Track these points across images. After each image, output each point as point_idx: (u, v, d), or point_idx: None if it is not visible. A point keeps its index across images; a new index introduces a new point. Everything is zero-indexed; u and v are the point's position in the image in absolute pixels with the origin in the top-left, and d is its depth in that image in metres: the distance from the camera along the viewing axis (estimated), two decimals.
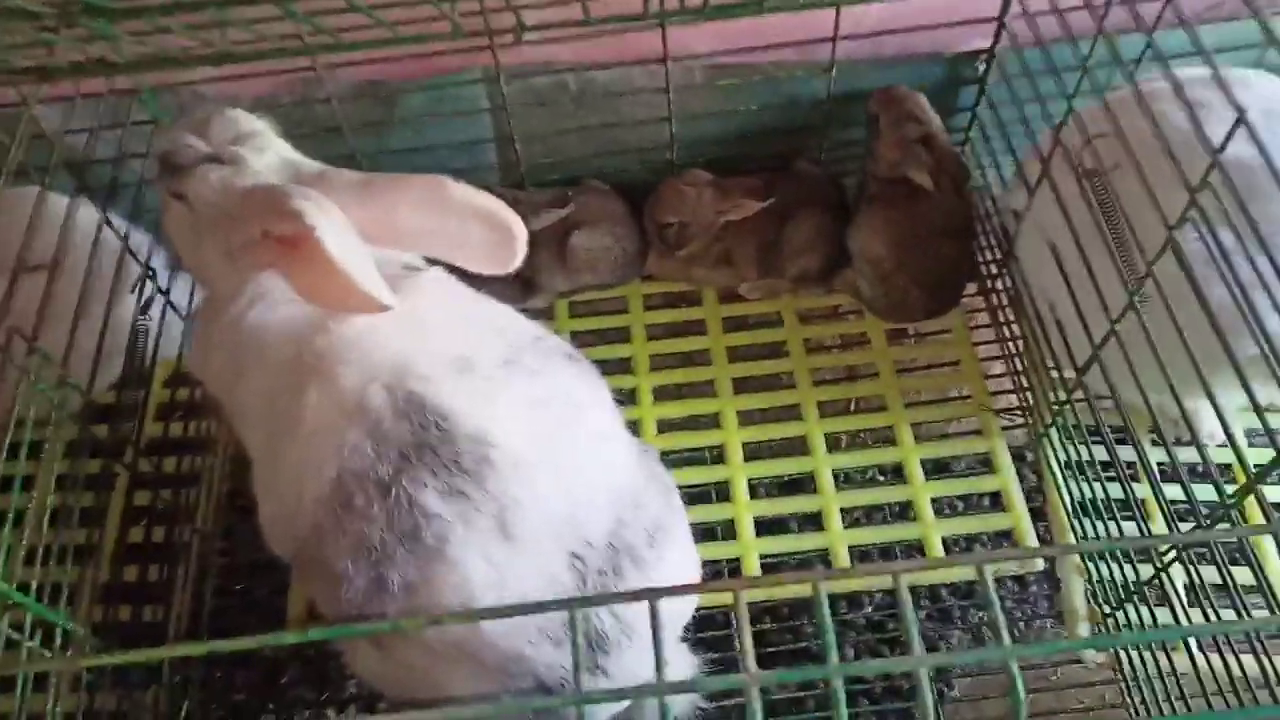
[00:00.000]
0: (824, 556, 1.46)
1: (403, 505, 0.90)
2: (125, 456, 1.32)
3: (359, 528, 0.91)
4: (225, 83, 1.46)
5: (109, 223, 1.31)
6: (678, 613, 1.14)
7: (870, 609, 1.69)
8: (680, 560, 1.10)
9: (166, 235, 1.15)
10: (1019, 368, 1.58)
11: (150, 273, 1.38)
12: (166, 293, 1.44)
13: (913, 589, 1.73)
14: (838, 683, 0.56)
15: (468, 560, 0.91)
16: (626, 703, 1.12)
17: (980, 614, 1.70)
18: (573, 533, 0.97)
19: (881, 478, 1.66)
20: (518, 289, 1.64)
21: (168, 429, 1.45)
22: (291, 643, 0.57)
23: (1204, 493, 1.16)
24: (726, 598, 1.36)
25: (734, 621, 1.46)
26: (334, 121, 1.51)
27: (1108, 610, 1.32)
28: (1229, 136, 0.95)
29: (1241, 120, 0.93)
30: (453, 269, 1.08)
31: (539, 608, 0.59)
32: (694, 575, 1.15)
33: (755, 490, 1.50)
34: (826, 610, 0.59)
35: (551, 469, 0.97)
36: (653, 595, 0.59)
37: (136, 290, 1.35)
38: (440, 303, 1.05)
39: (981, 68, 1.58)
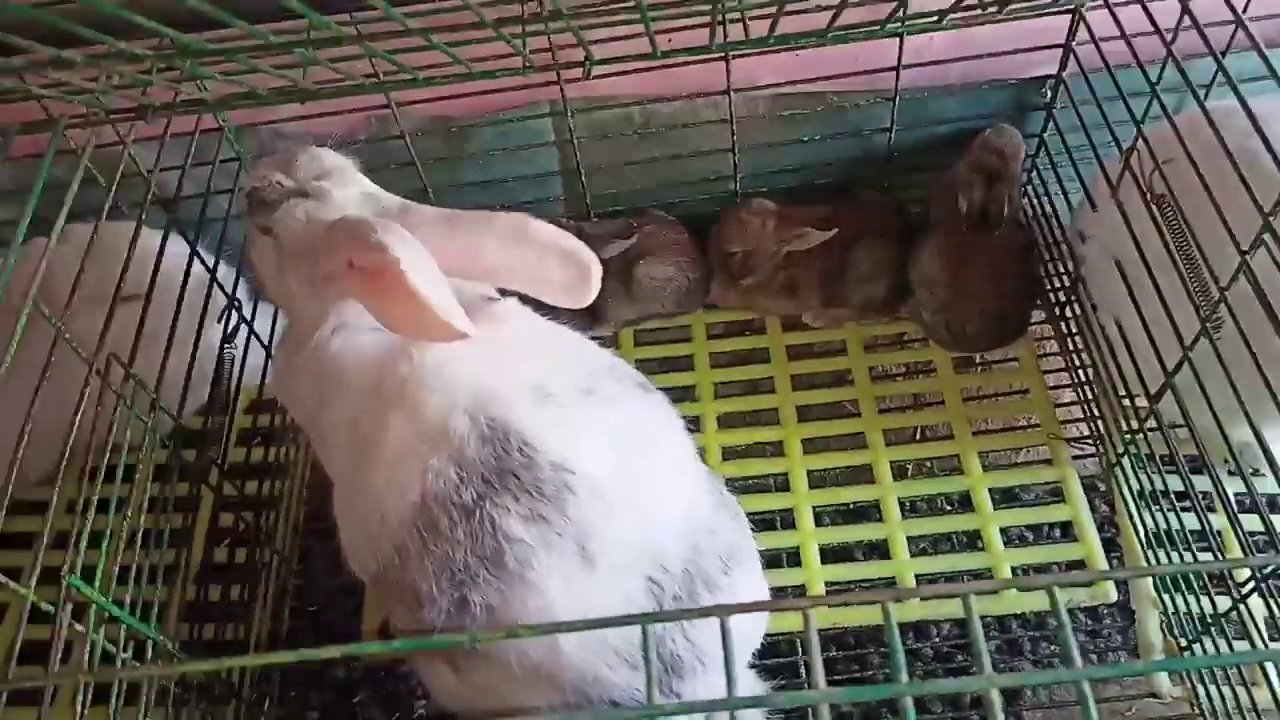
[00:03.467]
0: (890, 584, 1.45)
1: (486, 529, 0.93)
2: (210, 479, 1.37)
3: (443, 550, 0.94)
4: (304, 121, 1.52)
5: (198, 255, 1.37)
6: (747, 638, 1.14)
7: (938, 639, 1.67)
8: (751, 586, 1.11)
9: (251, 267, 1.20)
10: (1089, 396, 1.56)
11: (236, 303, 1.44)
12: (250, 322, 1.49)
13: (982, 620, 1.71)
14: (907, 702, 0.57)
15: (549, 584, 0.94)
16: None
17: (1051, 646, 1.66)
18: (650, 558, 0.99)
19: (949, 507, 1.64)
20: (584, 318, 1.67)
21: (249, 454, 1.50)
22: (372, 653, 0.59)
23: None
24: (792, 623, 1.36)
25: (800, 649, 1.47)
26: (407, 157, 1.56)
27: (1184, 643, 1.30)
28: None
29: None
30: (524, 299, 1.11)
31: (611, 622, 0.60)
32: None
33: (820, 518, 1.50)
34: (896, 630, 0.60)
35: (629, 496, 0.99)
36: (723, 612, 0.61)
37: (223, 320, 1.41)
38: (519, 332, 1.08)
39: (1049, 94, 1.58)
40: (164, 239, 1.30)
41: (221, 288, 1.41)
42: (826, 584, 1.43)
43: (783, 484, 1.54)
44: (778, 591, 1.43)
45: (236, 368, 1.43)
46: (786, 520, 1.50)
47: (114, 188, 1.17)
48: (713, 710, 0.59)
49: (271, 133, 1.57)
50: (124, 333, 1.17)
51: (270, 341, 1.57)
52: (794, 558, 1.46)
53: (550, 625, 0.64)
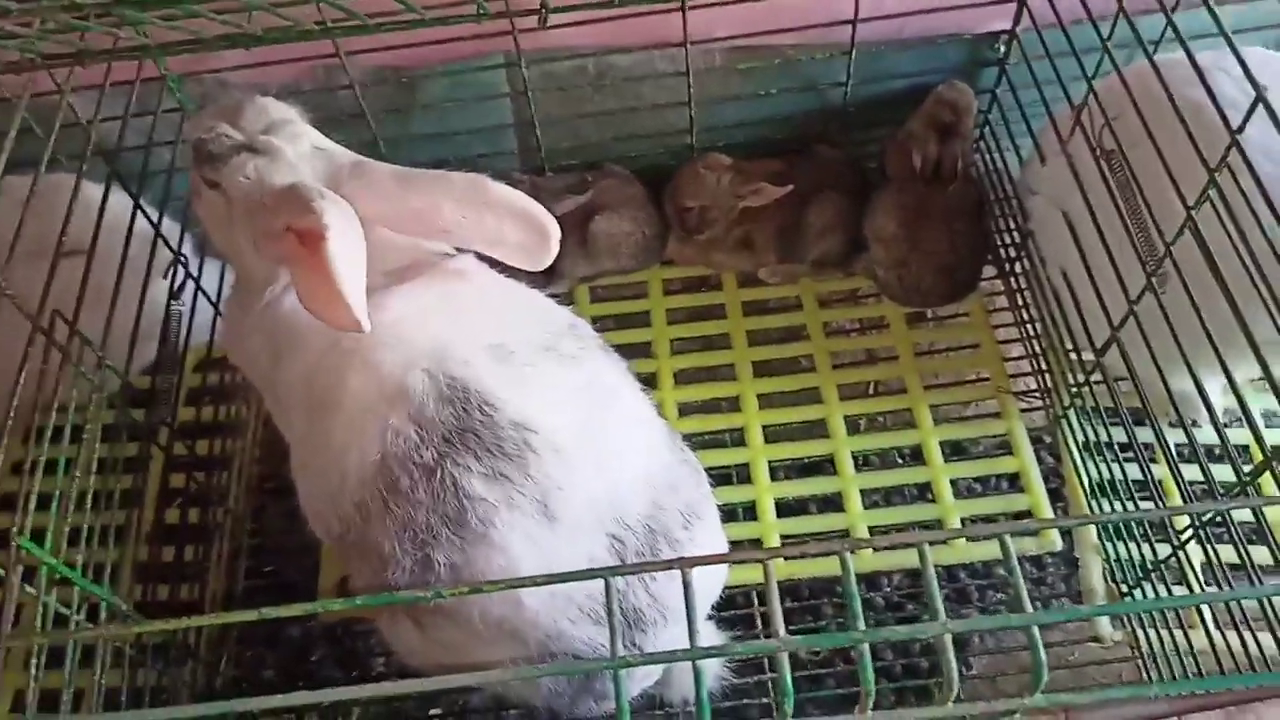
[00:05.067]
0: (844, 537, 1.47)
1: (448, 488, 0.93)
2: (159, 439, 1.34)
3: (405, 510, 0.93)
4: (249, 70, 1.48)
5: (141, 209, 1.33)
6: (707, 591, 1.16)
7: (889, 589, 1.71)
8: (711, 541, 1.12)
9: (196, 221, 1.17)
10: (1037, 350, 1.59)
11: (181, 259, 1.40)
12: (197, 278, 1.46)
13: None
14: (864, 648, 0.58)
15: (512, 543, 0.94)
16: (656, 677, 1.14)
17: (998, 594, 1.71)
18: (612, 515, 1.00)
19: (900, 460, 1.67)
20: (539, 274, 1.65)
21: (199, 413, 1.48)
22: (337, 611, 0.59)
23: (1221, 474, 1.17)
24: (748, 576, 1.38)
25: (755, 601, 1.49)
26: (356, 108, 1.53)
27: (1125, 589, 1.34)
28: (1247, 116, 0.96)
29: (1260, 100, 0.94)
30: (482, 256, 1.10)
31: (574, 576, 0.61)
32: None
33: (775, 472, 1.52)
34: (853, 579, 0.61)
35: (590, 453, 0.99)
36: (684, 564, 0.61)
37: (169, 276, 1.38)
38: (477, 289, 1.07)
39: (1002, 49, 1.59)
40: (105, 191, 1.26)
41: (166, 242, 1.38)
42: (782, 537, 1.45)
43: (739, 439, 1.55)
44: (734, 545, 1.45)
45: (184, 325, 1.40)
46: (742, 475, 1.51)
47: (54, 137, 1.12)
48: (674, 661, 0.60)
49: (216, 82, 1.52)
50: (64, 289, 1.13)
51: (218, 298, 1.54)
52: (750, 511, 1.48)
53: (514, 580, 0.64)
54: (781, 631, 0.58)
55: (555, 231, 1.03)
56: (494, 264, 1.10)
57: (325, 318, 0.94)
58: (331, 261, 0.89)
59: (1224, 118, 0.99)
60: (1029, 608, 0.58)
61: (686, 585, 0.61)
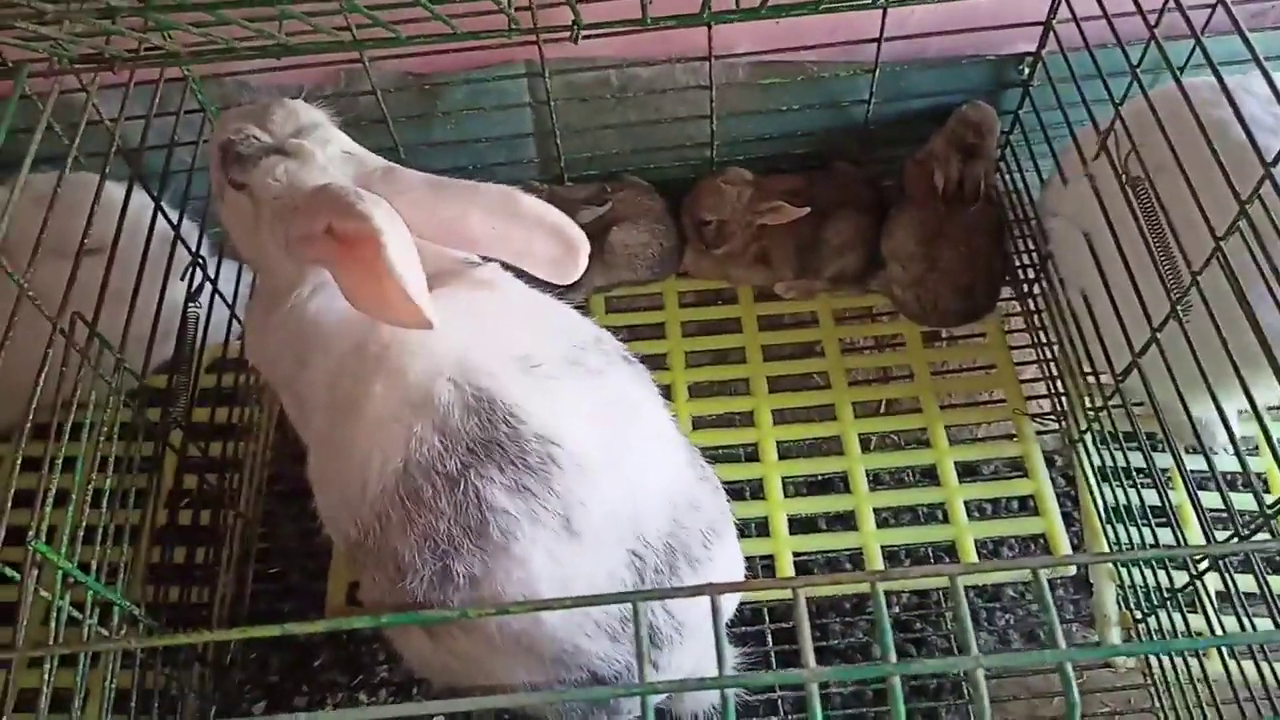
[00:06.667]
0: (854, 556, 1.47)
1: (470, 499, 0.92)
2: (172, 440, 1.34)
3: (427, 520, 0.93)
4: (270, 73, 1.47)
5: (161, 210, 1.33)
6: (724, 609, 1.15)
7: (898, 608, 1.70)
8: (730, 559, 1.12)
9: (215, 222, 1.17)
10: (1054, 373, 1.58)
11: (200, 260, 1.40)
12: (215, 280, 1.45)
13: (939, 592, 1.75)
14: (896, 681, 0.57)
15: (533, 556, 0.93)
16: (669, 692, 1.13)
17: (1006, 616, 1.70)
18: (633, 532, 0.99)
19: (914, 479, 1.66)
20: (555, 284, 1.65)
21: (213, 414, 1.47)
22: (360, 627, 0.59)
23: (1240, 500, 1.16)
24: (759, 591, 1.38)
25: (766, 617, 1.49)
26: (376, 113, 1.52)
27: (1139, 616, 1.33)
28: None
29: None
30: (507, 265, 1.09)
31: (603, 599, 0.60)
32: (740, 574, 1.16)
33: (788, 488, 1.51)
34: (884, 610, 0.60)
35: (614, 469, 0.98)
36: (713, 590, 0.61)
37: (187, 277, 1.37)
38: (504, 299, 1.07)
39: (1026, 71, 1.58)
40: (128, 192, 1.26)
41: (185, 244, 1.37)
42: (794, 554, 1.44)
43: (752, 454, 1.54)
44: (746, 561, 1.44)
45: (201, 327, 1.39)
46: (755, 490, 1.51)
47: (78, 138, 1.12)
48: (704, 689, 0.60)
49: (236, 84, 1.52)
50: (82, 287, 1.13)
51: (234, 300, 1.54)
52: (762, 527, 1.47)
53: (541, 602, 0.63)
54: (811, 660, 0.58)
55: (585, 247, 1.03)
56: (517, 273, 1.10)
57: (385, 317, 0.93)
58: (391, 262, 0.88)
59: (1256, 148, 0.98)
60: (1062, 643, 0.58)
61: (716, 611, 0.60)
